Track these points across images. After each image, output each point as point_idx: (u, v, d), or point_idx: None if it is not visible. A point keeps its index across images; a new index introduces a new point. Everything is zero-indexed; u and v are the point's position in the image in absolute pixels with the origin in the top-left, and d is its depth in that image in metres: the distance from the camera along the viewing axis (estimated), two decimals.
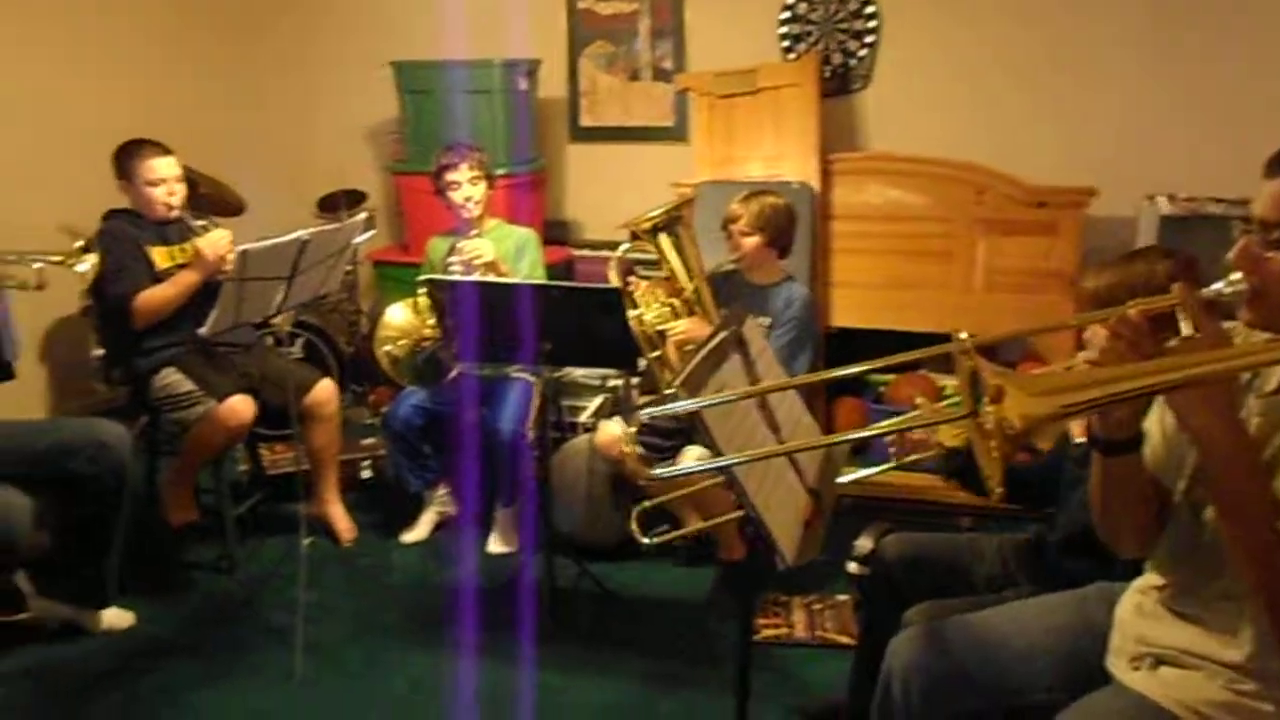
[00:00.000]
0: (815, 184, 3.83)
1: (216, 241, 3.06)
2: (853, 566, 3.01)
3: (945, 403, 2.29)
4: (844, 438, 1.71)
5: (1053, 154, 3.96)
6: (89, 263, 2.65)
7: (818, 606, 2.94)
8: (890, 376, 3.95)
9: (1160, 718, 1.34)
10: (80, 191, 3.60)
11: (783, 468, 1.59)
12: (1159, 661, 1.39)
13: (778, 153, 3.96)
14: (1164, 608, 1.41)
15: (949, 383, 3.90)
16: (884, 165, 3.94)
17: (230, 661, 2.73)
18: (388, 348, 3.29)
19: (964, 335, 1.18)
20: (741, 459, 1.39)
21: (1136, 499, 1.38)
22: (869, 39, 4.18)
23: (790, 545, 1.48)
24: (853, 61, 4.22)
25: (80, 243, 2.65)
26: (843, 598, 2.95)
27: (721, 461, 1.39)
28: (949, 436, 1.86)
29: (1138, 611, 1.45)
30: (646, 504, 1.80)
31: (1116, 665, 1.46)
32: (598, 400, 3.92)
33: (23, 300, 3.44)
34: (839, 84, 4.25)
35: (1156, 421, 1.44)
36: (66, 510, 2.80)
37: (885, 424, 1.57)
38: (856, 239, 3.90)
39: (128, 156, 3.10)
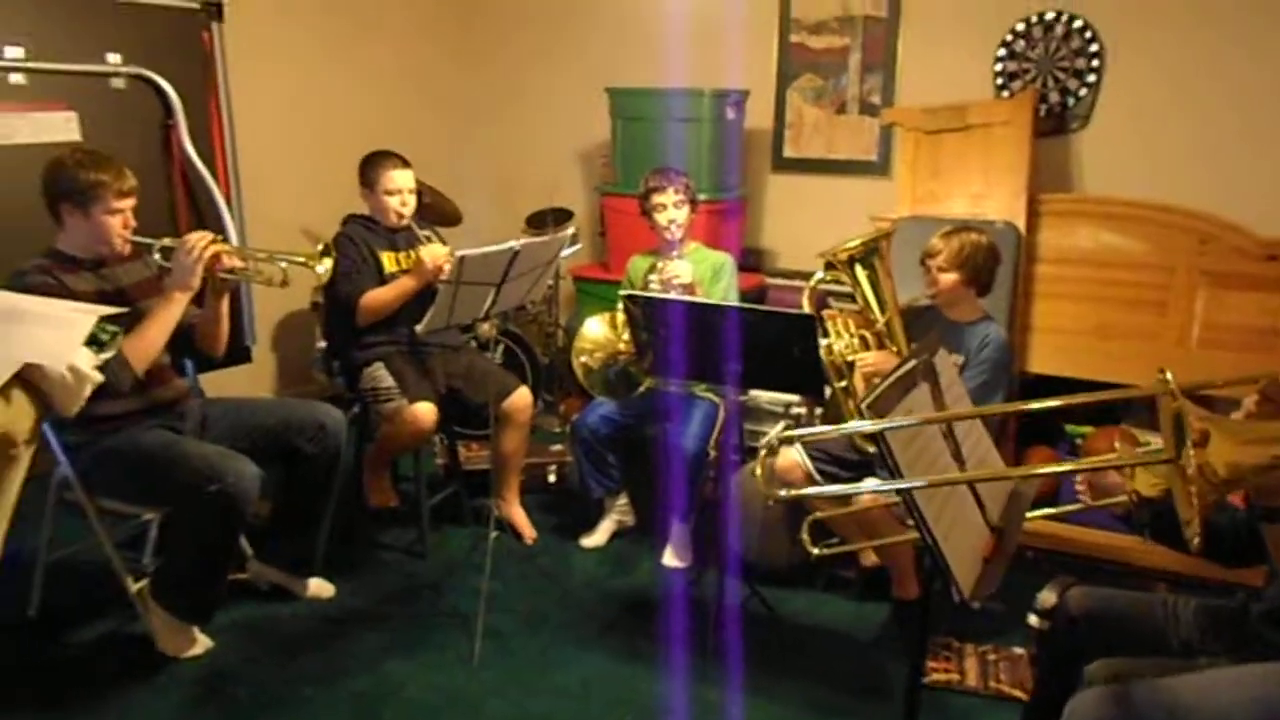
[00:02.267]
0: (1021, 224, 3.73)
1: (437, 254, 3.30)
2: (1034, 620, 2.88)
3: (1145, 449, 2.18)
4: (1032, 471, 1.67)
5: None
6: (326, 265, 2.89)
7: (992, 657, 2.84)
8: (1088, 428, 3.77)
9: None
10: (322, 196, 3.98)
11: (965, 500, 1.58)
12: None
13: (984, 191, 3.89)
14: None
15: (1152, 439, 3.69)
16: (1097, 208, 3.79)
17: (417, 639, 2.92)
18: (583, 359, 3.43)
19: (1169, 375, 1.15)
20: (922, 483, 1.40)
21: None
22: (1090, 78, 4.03)
23: (967, 579, 1.47)
24: (1071, 101, 4.09)
25: (321, 246, 2.92)
26: (1020, 651, 2.85)
27: (903, 484, 1.40)
28: (1146, 485, 1.77)
29: None
30: (819, 515, 1.81)
31: None
32: (780, 426, 3.94)
33: (260, 294, 3.84)
34: (1055, 123, 4.13)
35: None
36: (285, 484, 3.08)
37: (1079, 462, 1.52)
38: (1061, 283, 3.77)
39: (372, 166, 3.39)
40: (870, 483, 2.87)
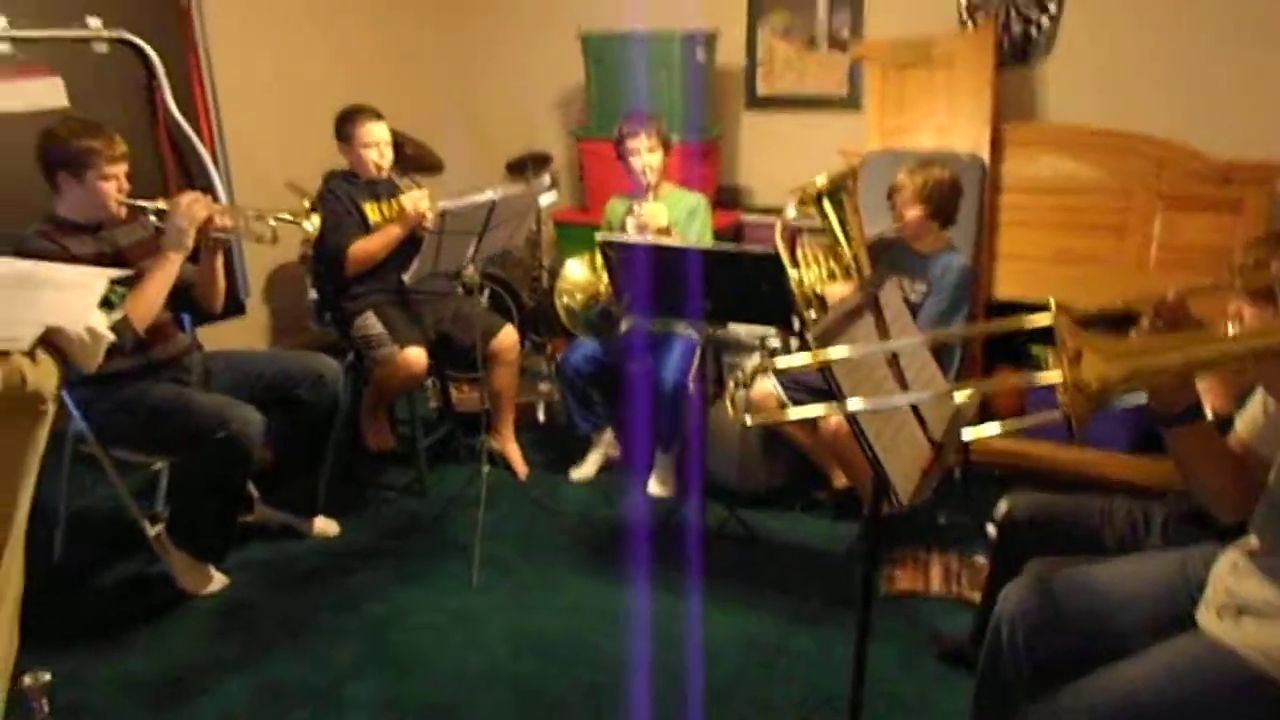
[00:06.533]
0: (985, 156, 3.85)
1: (418, 200, 3.44)
2: (991, 530, 3.12)
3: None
4: (945, 390, 1.85)
5: (1247, 127, 3.81)
6: (315, 221, 3.04)
7: (955, 565, 3.05)
8: (1052, 349, 3.94)
9: (1232, 661, 1.44)
10: (305, 151, 4.08)
11: (906, 418, 1.75)
12: (1241, 611, 1.49)
13: (950, 123, 3.99)
14: (1254, 565, 1.50)
15: None
16: (1059, 136, 3.90)
17: (420, 568, 3.12)
18: (565, 300, 3.58)
19: (1053, 303, 1.32)
20: (863, 406, 1.57)
21: (1216, 466, 1.49)
22: (1051, 8, 4.12)
23: (905, 486, 1.65)
24: (1034, 31, 4.18)
25: (308, 203, 3.05)
26: (981, 560, 3.05)
27: (846, 408, 1.56)
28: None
29: (1232, 569, 1.55)
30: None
31: (1204, 616, 1.56)
32: (756, 358, 4.10)
33: (251, 247, 3.94)
34: (1018, 53, 4.22)
35: (1262, 400, 1.53)
36: (286, 431, 3.24)
37: (980, 383, 1.69)
38: (1026, 211, 3.90)
39: (347, 121, 3.50)
40: (819, 407, 3.06)
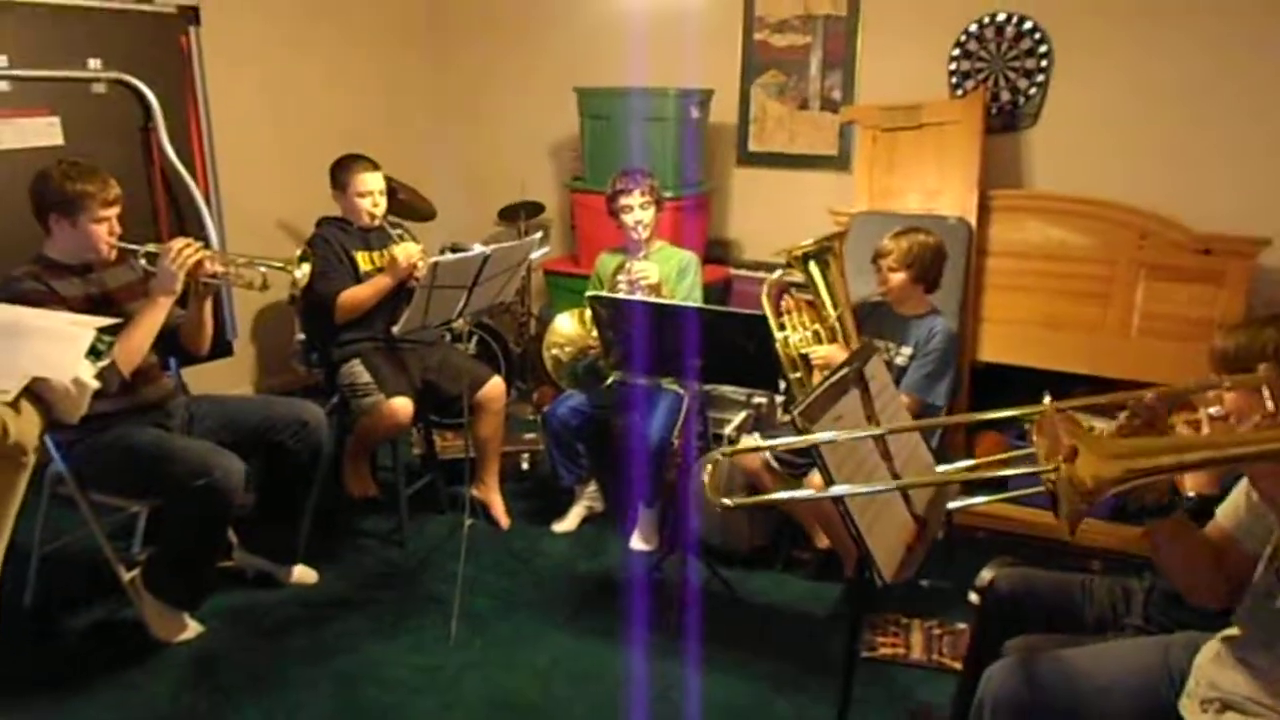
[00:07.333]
0: (972, 219, 3.90)
1: (410, 251, 3.46)
2: (973, 597, 3.14)
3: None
4: (932, 479, 1.86)
5: (1230, 200, 3.87)
6: (305, 270, 3.05)
7: (937, 632, 3.04)
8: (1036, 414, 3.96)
9: None
10: (299, 196, 4.10)
11: (891, 494, 1.76)
12: (1225, 706, 1.49)
13: (937, 187, 4.05)
14: (1238, 658, 1.50)
15: (1099, 426, 3.89)
16: (1045, 204, 3.96)
17: (397, 621, 3.08)
18: (554, 352, 3.59)
19: (1047, 399, 1.34)
20: (848, 491, 1.57)
21: (1192, 556, 1.49)
22: (1039, 78, 4.20)
23: (889, 564, 1.65)
24: (1021, 99, 4.26)
25: (300, 251, 3.06)
26: (962, 626, 3.05)
27: (832, 492, 1.57)
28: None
29: (1215, 660, 1.55)
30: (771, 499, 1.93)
31: (1187, 707, 1.56)
32: (742, 415, 4.10)
33: (239, 289, 3.95)
34: (1006, 121, 4.29)
35: (1245, 491, 1.54)
36: (268, 477, 3.22)
37: (970, 463, 1.71)
38: (1011, 276, 3.94)
39: (342, 169, 3.52)
40: (803, 492, 3.06)
